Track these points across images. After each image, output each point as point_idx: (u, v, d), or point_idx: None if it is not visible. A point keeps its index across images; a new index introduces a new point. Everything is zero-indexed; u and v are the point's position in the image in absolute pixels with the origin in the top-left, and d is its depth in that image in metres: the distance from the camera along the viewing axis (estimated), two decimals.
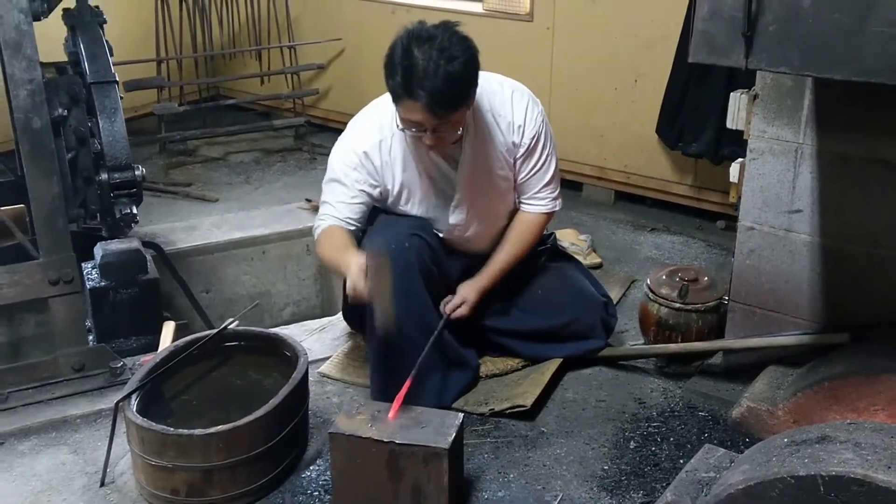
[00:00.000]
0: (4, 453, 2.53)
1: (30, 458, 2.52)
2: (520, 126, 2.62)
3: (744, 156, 2.63)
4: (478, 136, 2.59)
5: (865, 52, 1.64)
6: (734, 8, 1.73)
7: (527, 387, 2.73)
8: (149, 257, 3.24)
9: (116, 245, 3.14)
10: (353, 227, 2.61)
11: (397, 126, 2.47)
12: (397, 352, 2.58)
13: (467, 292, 2.69)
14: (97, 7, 3.26)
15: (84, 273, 3.09)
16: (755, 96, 2.49)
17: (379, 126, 2.58)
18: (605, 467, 2.45)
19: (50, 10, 2.82)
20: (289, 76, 5.39)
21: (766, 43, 1.72)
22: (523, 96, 2.65)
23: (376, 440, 2.16)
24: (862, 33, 1.63)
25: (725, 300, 2.83)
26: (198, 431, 2.19)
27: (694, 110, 3.83)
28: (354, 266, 2.36)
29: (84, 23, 3.13)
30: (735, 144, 3.31)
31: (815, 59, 1.69)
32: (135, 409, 2.31)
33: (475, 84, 2.43)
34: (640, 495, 2.33)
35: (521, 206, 2.77)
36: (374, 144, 2.59)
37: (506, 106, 2.62)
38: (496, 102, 2.61)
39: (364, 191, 2.62)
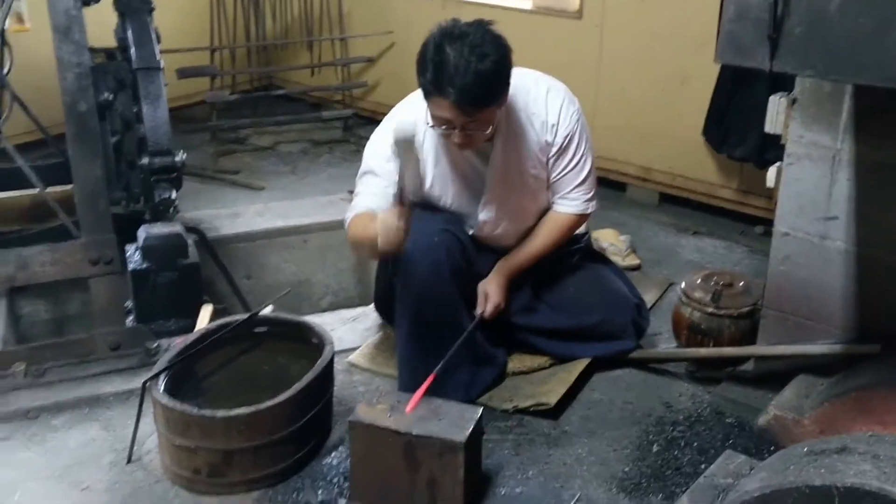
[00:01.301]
0: (38, 427, 2.61)
1: (62, 432, 2.59)
2: (553, 125, 2.60)
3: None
4: (510, 133, 2.59)
5: (891, 57, 1.60)
6: (760, 9, 1.70)
7: (552, 385, 2.72)
8: (191, 242, 3.30)
9: (159, 229, 3.20)
10: None
11: (427, 123, 2.48)
12: (426, 345, 2.60)
13: (489, 290, 2.69)
14: None
15: (127, 255, 3.16)
16: (794, 100, 2.45)
17: (413, 120, 2.59)
18: (626, 469, 2.43)
19: None
20: (338, 68, 5.45)
21: (792, 45, 1.69)
22: (559, 94, 2.63)
23: (394, 430, 2.17)
24: (887, 38, 1.59)
25: (760, 306, 2.79)
26: (220, 413, 2.23)
27: (739, 113, 3.77)
28: (382, 214, 2.35)
29: (133, 9, 3.20)
30: (780, 149, 3.24)
31: (840, 63, 1.66)
32: (162, 389, 2.36)
33: (506, 83, 2.42)
34: (658, 498, 2.31)
35: (553, 204, 2.76)
36: None
37: (539, 104, 2.61)
38: (530, 100, 2.60)
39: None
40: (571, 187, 2.71)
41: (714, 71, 3.84)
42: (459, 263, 2.65)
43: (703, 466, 2.37)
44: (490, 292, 2.68)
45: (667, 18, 4.05)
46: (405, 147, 2.29)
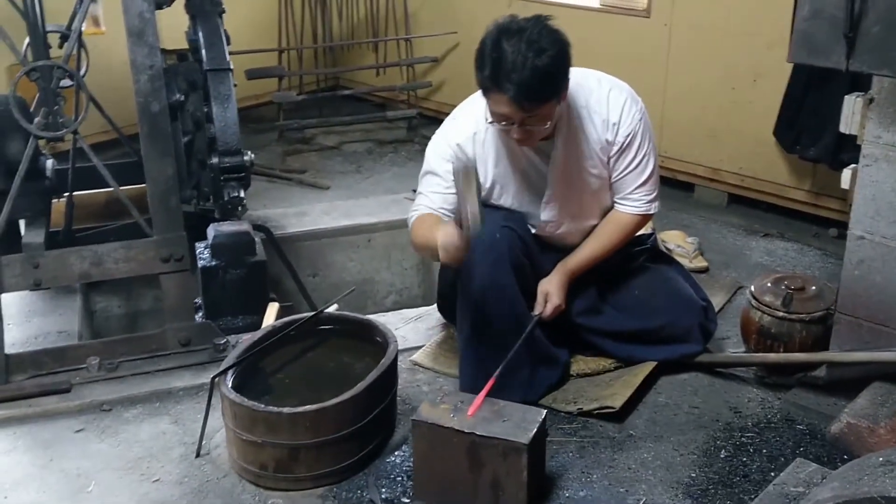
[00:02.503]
0: (112, 419, 2.68)
1: (134, 425, 2.65)
2: (615, 124, 2.58)
3: None
4: (570, 132, 2.57)
5: None
6: (836, 8, 1.66)
7: (617, 388, 2.69)
8: (258, 240, 3.35)
9: (228, 227, 3.26)
10: (447, 218, 2.63)
11: (486, 119, 2.48)
12: (487, 344, 2.59)
13: (550, 289, 2.67)
14: None
15: (196, 252, 3.23)
16: (870, 100, 2.38)
17: (474, 119, 2.59)
18: (693, 475, 2.39)
19: None
20: (403, 68, 5.48)
21: (869, 44, 1.64)
22: (621, 93, 2.60)
23: (457, 430, 2.18)
24: None
25: (832, 311, 2.72)
26: (286, 410, 2.26)
27: (813, 113, 3.68)
28: (446, 226, 2.36)
29: (204, 12, 3.27)
30: (855, 150, 3.16)
31: None
32: (230, 384, 2.40)
33: (565, 78, 2.40)
34: None
35: (616, 204, 2.72)
36: (468, 137, 2.60)
37: (602, 103, 2.58)
38: (592, 100, 2.58)
39: None
40: (633, 187, 2.67)
41: (786, 70, 3.75)
42: (521, 261, 2.64)
43: (772, 474, 2.32)
44: (550, 292, 2.67)
45: (737, 16, 3.97)
46: (465, 178, 2.27)
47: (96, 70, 3.26)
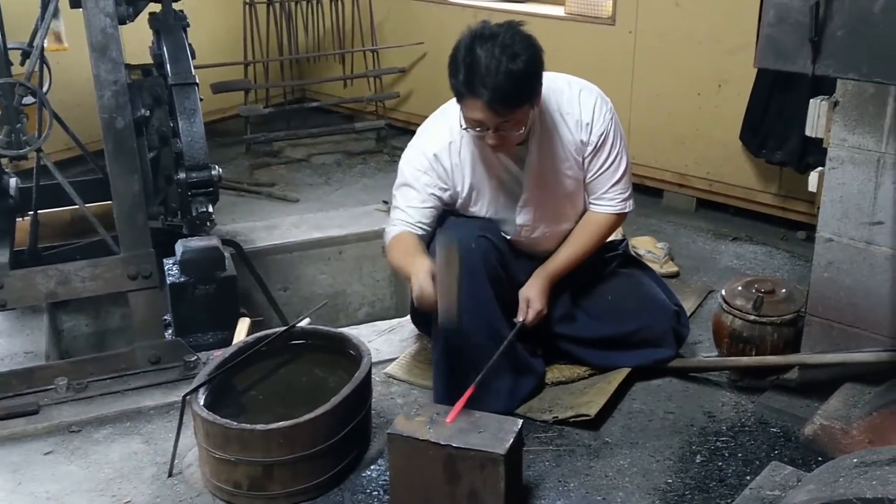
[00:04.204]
0: (81, 441, 2.63)
1: (104, 446, 2.61)
2: (588, 123, 2.59)
3: None
4: (544, 135, 2.57)
5: None
6: (801, 13, 1.67)
7: (592, 395, 2.69)
8: (228, 255, 3.32)
9: (196, 242, 3.22)
10: (423, 232, 2.62)
11: (461, 126, 2.48)
12: (462, 356, 2.58)
13: (531, 295, 2.67)
14: (181, 11, 3.36)
15: (165, 269, 3.19)
16: (835, 103, 2.41)
17: (448, 129, 2.59)
18: (669, 481, 2.40)
19: (136, 14, 2.93)
20: (371, 79, 5.47)
21: (834, 49, 1.66)
22: (591, 94, 2.62)
23: (433, 443, 2.16)
24: None
25: (803, 313, 2.74)
26: (259, 427, 2.24)
27: (778, 117, 3.72)
28: (422, 270, 2.37)
29: (168, 26, 3.23)
30: (821, 153, 3.19)
31: (885, 65, 1.62)
32: (202, 402, 2.36)
33: (538, 82, 2.41)
34: None
35: (590, 205, 2.73)
36: (443, 147, 2.60)
37: (573, 104, 2.59)
38: (563, 101, 2.59)
39: (434, 194, 2.63)
40: (608, 187, 2.68)
41: (751, 75, 3.79)
42: (497, 271, 2.63)
43: (748, 478, 2.33)
44: (531, 298, 2.66)
45: (702, 23, 4.01)
46: (447, 261, 2.29)
47: (59, 87, 3.21)
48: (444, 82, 2.41)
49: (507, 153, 2.57)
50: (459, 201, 2.67)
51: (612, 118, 2.63)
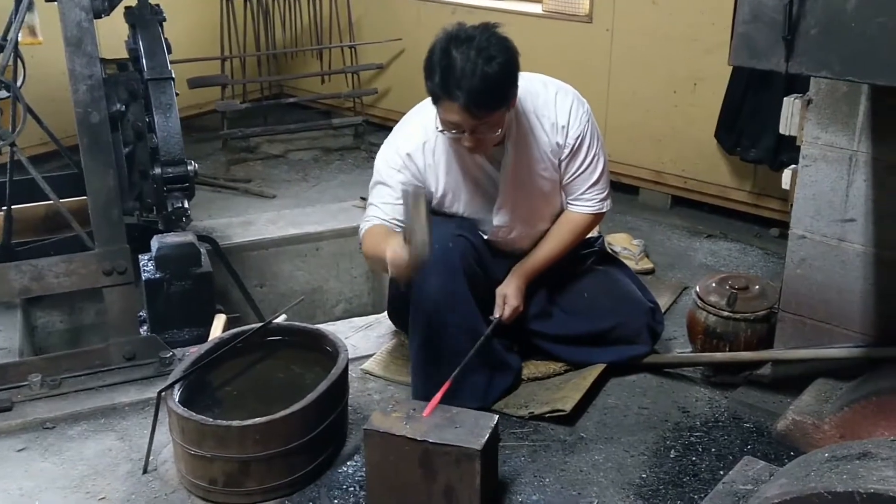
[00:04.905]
0: (55, 438, 2.61)
1: (78, 442, 2.59)
2: (563, 126, 2.60)
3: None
4: (520, 137, 2.58)
5: None
6: (775, 11, 1.69)
7: (568, 391, 2.71)
8: (203, 251, 3.30)
9: (172, 238, 3.20)
10: (398, 229, 2.62)
11: (437, 128, 2.48)
12: (440, 353, 2.59)
13: (508, 292, 2.68)
14: (157, 5, 3.34)
15: (140, 265, 3.17)
16: (809, 101, 2.43)
17: (423, 128, 2.59)
18: (644, 475, 2.41)
19: (111, 7, 2.90)
20: (349, 76, 5.46)
21: (807, 47, 1.67)
22: (567, 96, 2.63)
23: (409, 438, 2.16)
24: None
25: (776, 310, 2.77)
26: (235, 423, 2.23)
27: (753, 115, 3.76)
28: (395, 242, 2.35)
29: (144, 21, 3.21)
30: (794, 151, 3.22)
31: (858, 63, 1.64)
32: (177, 399, 2.35)
33: (514, 85, 2.41)
34: None
35: (568, 205, 2.74)
36: (417, 146, 2.60)
37: (549, 107, 2.60)
38: (539, 104, 2.60)
39: None
40: (585, 188, 2.70)
41: (726, 73, 3.82)
42: (474, 269, 2.64)
43: (721, 473, 2.35)
44: (508, 295, 2.68)
45: (678, 21, 4.04)
46: (414, 202, 2.27)
47: (34, 81, 3.18)
48: (421, 79, 2.41)
49: (483, 155, 2.57)
50: (434, 201, 2.67)
51: (588, 120, 2.64)
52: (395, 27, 5.26)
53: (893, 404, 2.30)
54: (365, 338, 3.13)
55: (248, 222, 4.17)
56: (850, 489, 1.59)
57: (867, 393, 2.37)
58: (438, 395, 2.28)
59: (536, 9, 4.60)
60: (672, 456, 2.49)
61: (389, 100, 5.43)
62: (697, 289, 2.90)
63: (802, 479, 1.71)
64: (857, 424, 2.34)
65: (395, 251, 2.33)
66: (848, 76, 1.71)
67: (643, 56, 4.20)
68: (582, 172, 2.67)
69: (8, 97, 2.82)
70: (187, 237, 3.20)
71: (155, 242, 3.17)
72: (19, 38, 2.77)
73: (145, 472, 2.44)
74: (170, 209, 3.06)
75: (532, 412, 2.64)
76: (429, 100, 2.49)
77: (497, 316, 2.67)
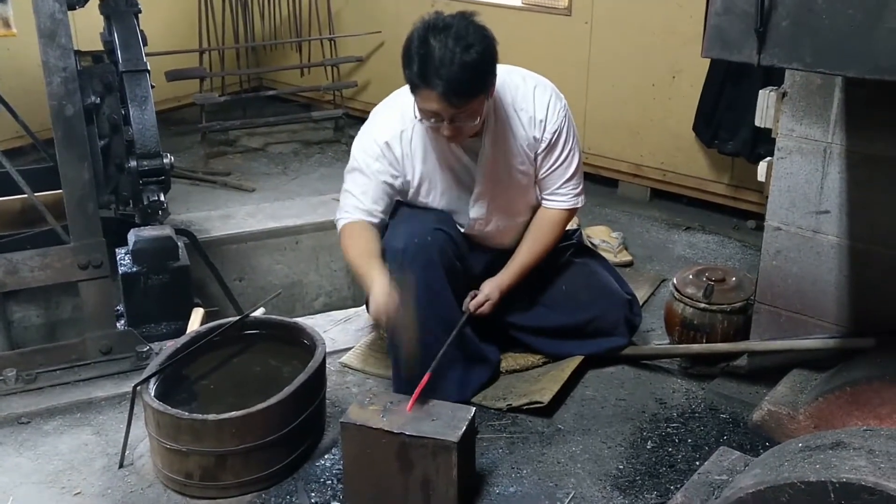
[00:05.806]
0: (30, 432, 2.60)
1: (54, 437, 2.58)
2: (541, 121, 2.60)
3: None
4: (498, 129, 2.58)
5: (879, 48, 1.59)
6: (747, 3, 1.70)
7: (545, 383, 2.71)
8: (181, 244, 3.28)
9: (149, 232, 3.18)
10: (376, 220, 2.62)
11: (415, 117, 2.47)
12: (419, 345, 2.58)
13: (491, 290, 2.68)
14: None
15: (117, 258, 3.15)
16: (784, 94, 2.45)
17: (401, 116, 2.59)
18: (620, 467, 2.43)
19: None
20: (328, 68, 5.44)
21: (779, 39, 1.68)
22: (546, 91, 2.63)
23: (387, 431, 2.17)
24: (876, 30, 1.59)
25: (752, 301, 2.78)
26: (211, 417, 2.23)
27: (730, 108, 3.77)
28: (379, 289, 2.37)
29: (119, 12, 3.17)
30: (771, 143, 3.24)
31: (829, 55, 1.65)
32: (153, 393, 2.35)
33: (493, 73, 2.41)
34: (653, 496, 2.31)
35: (543, 202, 2.74)
36: (395, 135, 2.59)
37: (528, 100, 2.60)
38: (518, 97, 2.60)
39: (386, 182, 2.62)
40: (560, 183, 2.70)
41: (704, 66, 3.84)
42: (453, 262, 2.64)
43: (697, 463, 2.37)
44: (491, 295, 2.67)
45: (656, 14, 4.04)
46: (403, 296, 2.35)
47: (8, 73, 3.16)
48: (401, 72, 2.40)
49: (460, 145, 2.57)
50: (411, 191, 2.67)
51: (565, 115, 2.64)
52: (375, 20, 5.24)
53: (866, 394, 2.32)
54: (344, 331, 3.13)
55: (227, 216, 4.15)
56: (822, 479, 1.60)
57: (841, 383, 2.39)
58: (419, 389, 2.28)
59: (516, 1, 4.59)
60: (649, 447, 2.51)
61: (369, 93, 5.42)
62: (675, 281, 2.92)
63: (776, 469, 1.73)
64: (830, 414, 2.36)
65: (378, 307, 2.37)
66: (819, 68, 1.72)
67: (622, 49, 4.21)
68: (557, 167, 2.67)
69: None
70: (164, 231, 3.18)
71: (132, 236, 3.14)
72: None
73: (121, 466, 2.43)
74: (146, 202, 3.03)
75: (510, 404, 2.65)
76: (405, 88, 2.48)
77: (465, 308, 2.66)
